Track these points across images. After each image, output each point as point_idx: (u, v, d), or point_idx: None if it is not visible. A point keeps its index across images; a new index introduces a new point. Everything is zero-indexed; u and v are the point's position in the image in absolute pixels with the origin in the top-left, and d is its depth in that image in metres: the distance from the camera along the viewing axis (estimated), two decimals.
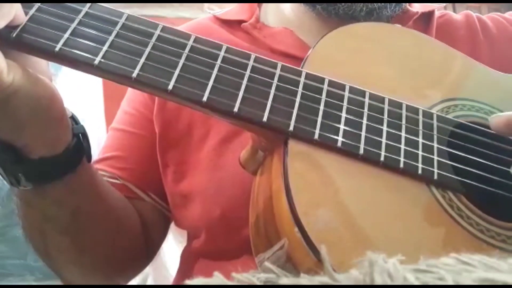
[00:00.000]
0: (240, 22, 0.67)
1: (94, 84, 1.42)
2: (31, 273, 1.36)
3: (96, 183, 0.57)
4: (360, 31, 0.53)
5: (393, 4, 0.61)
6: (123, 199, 0.63)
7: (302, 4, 0.64)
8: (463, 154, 0.45)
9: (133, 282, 0.73)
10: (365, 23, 0.57)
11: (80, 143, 0.51)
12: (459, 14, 0.71)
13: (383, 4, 0.60)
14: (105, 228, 0.59)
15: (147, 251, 0.68)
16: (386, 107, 0.45)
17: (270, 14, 0.69)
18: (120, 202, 0.62)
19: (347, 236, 0.38)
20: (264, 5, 0.70)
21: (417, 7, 0.68)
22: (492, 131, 0.46)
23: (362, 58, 0.50)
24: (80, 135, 0.50)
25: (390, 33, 0.54)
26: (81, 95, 1.29)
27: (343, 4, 0.59)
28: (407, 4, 0.67)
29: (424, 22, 0.67)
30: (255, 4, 0.70)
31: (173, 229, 0.73)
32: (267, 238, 0.43)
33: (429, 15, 0.68)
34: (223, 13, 0.70)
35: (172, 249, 0.82)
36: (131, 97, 0.70)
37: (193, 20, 0.73)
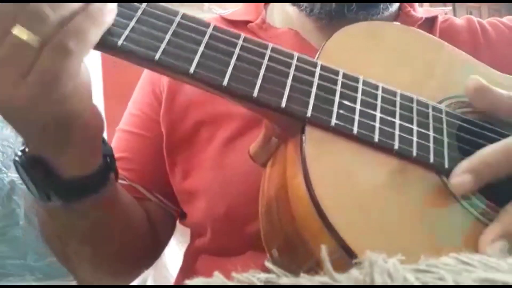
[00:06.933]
0: (246, 22, 0.68)
1: (94, 85, 1.42)
2: (31, 273, 1.35)
3: (120, 196, 0.57)
4: (366, 29, 0.54)
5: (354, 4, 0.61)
6: (132, 200, 0.63)
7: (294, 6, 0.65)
8: (471, 148, 0.46)
9: (133, 282, 0.73)
10: (371, 22, 0.58)
11: (107, 162, 0.51)
12: (461, 18, 0.72)
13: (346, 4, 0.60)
14: (118, 229, 0.59)
15: (154, 249, 0.68)
16: (398, 100, 0.46)
17: (276, 14, 0.70)
18: (131, 203, 0.63)
19: (362, 220, 0.39)
20: (271, 5, 0.71)
21: (421, 13, 0.69)
22: (497, 128, 0.47)
23: (368, 56, 0.51)
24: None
25: (396, 31, 0.55)
26: None
27: (306, 4, 0.62)
28: (411, 10, 0.68)
29: (428, 27, 0.68)
30: (261, 5, 0.71)
31: None
32: (280, 226, 0.43)
33: (433, 20, 0.69)
34: (229, 14, 0.71)
35: (172, 249, 0.82)
36: (138, 99, 0.71)
37: None
